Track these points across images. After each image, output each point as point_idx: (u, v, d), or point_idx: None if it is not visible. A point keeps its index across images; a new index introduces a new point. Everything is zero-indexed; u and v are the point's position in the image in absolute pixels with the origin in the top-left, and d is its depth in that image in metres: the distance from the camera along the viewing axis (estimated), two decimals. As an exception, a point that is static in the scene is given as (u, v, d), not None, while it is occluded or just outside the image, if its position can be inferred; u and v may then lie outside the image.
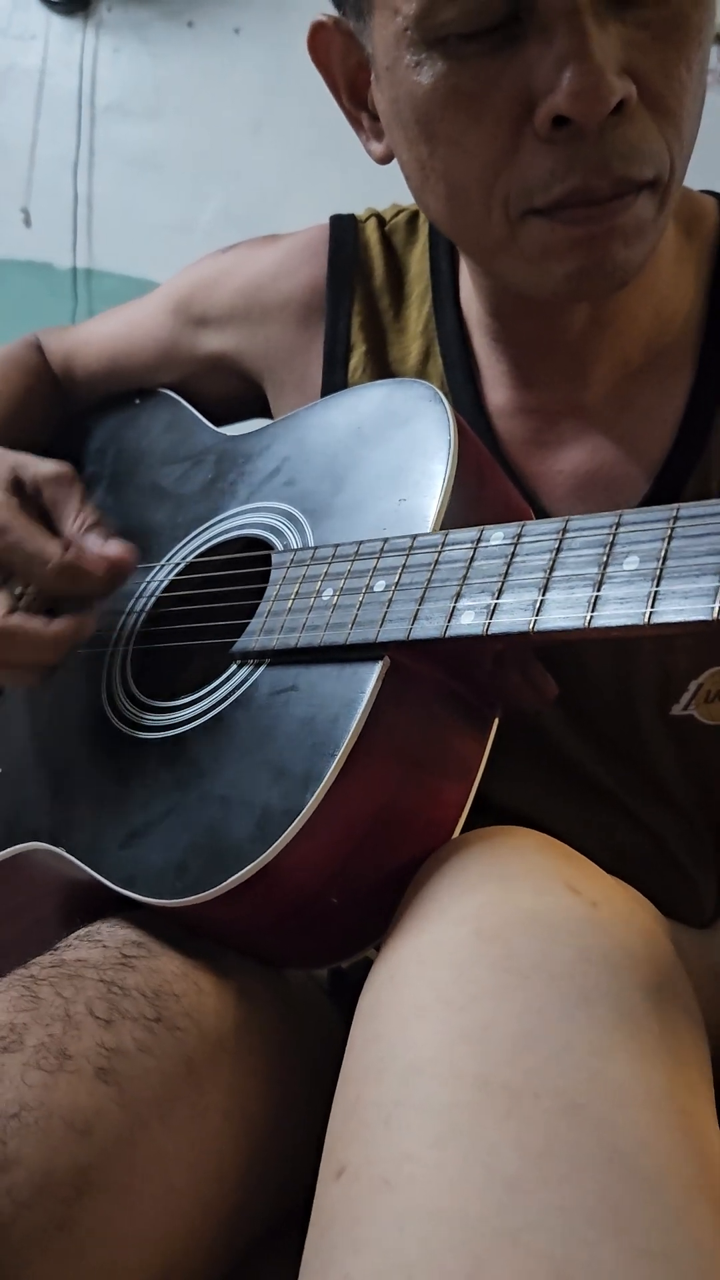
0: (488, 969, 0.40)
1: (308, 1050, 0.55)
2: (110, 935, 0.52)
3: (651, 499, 0.63)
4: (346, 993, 0.62)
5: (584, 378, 0.64)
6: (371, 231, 0.74)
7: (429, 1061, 0.37)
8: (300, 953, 0.54)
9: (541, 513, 0.65)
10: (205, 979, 0.51)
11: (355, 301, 0.72)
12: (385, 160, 0.61)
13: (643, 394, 0.64)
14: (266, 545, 0.62)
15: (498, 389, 0.68)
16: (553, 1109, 0.34)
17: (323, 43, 0.60)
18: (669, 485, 0.62)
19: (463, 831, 0.52)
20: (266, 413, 0.81)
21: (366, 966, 0.47)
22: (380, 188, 0.84)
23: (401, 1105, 0.36)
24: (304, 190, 1.79)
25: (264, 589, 0.58)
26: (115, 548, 0.62)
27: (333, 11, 0.59)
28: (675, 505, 0.43)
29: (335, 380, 0.72)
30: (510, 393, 0.67)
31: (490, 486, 0.58)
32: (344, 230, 0.75)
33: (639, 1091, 0.35)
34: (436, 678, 0.52)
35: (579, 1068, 0.36)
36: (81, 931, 0.54)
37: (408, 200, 0.67)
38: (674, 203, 0.54)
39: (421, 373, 0.70)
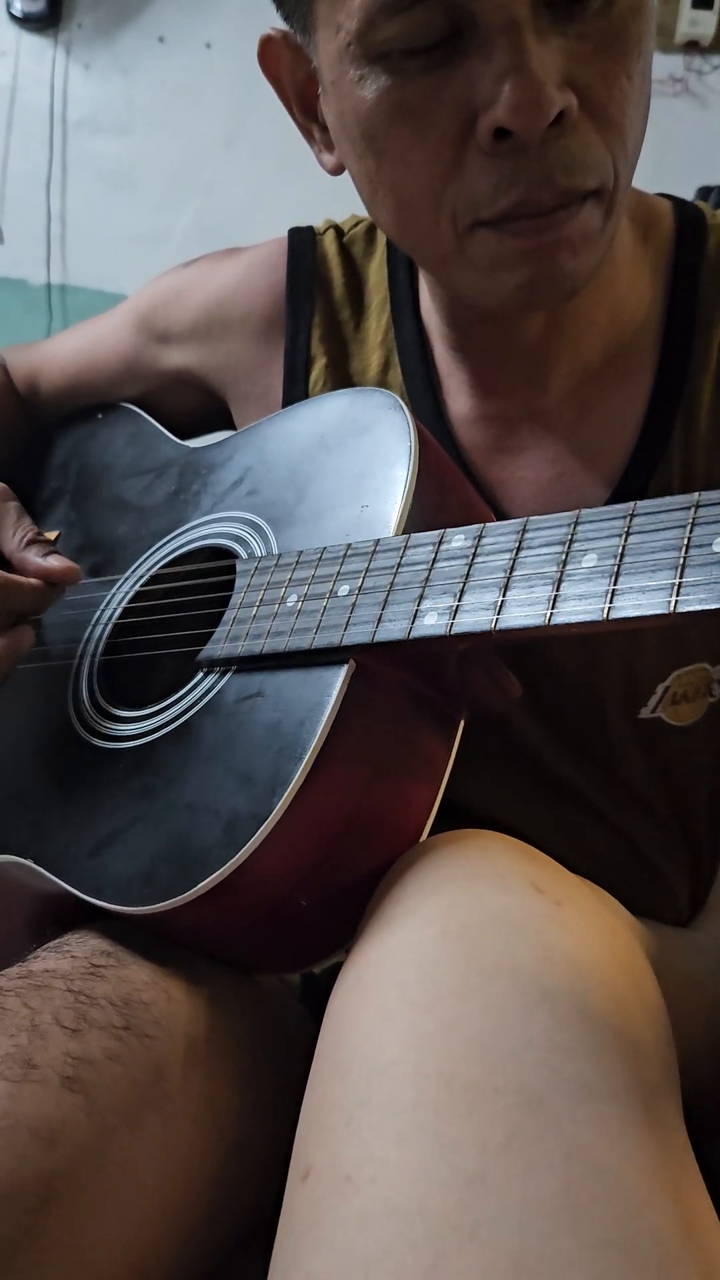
0: (453, 969, 0.40)
1: (280, 1055, 0.55)
2: (79, 945, 0.52)
3: (613, 502, 0.63)
4: (319, 997, 0.62)
5: (543, 383, 0.65)
6: (330, 243, 0.75)
7: (393, 1061, 0.37)
8: (271, 957, 0.54)
9: (504, 519, 0.65)
10: (175, 986, 0.51)
11: (315, 314, 0.73)
12: (337, 172, 0.61)
13: (603, 397, 0.64)
14: (231, 554, 0.63)
15: (458, 397, 0.68)
16: (514, 1105, 0.34)
17: (273, 56, 0.60)
18: (630, 489, 0.62)
19: (434, 834, 0.52)
20: (230, 426, 0.81)
21: (338, 970, 0.47)
22: (352, 200, 0.85)
23: (365, 1105, 0.37)
24: (276, 203, 1.80)
25: (229, 597, 0.59)
26: (55, 562, 0.64)
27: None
28: (632, 503, 0.43)
29: (296, 393, 0.72)
30: (470, 401, 0.67)
31: (451, 491, 0.58)
32: (302, 243, 0.75)
33: (600, 1086, 0.36)
34: (402, 680, 0.52)
35: (540, 1064, 0.36)
36: (51, 943, 0.54)
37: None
38: (621, 210, 0.55)
39: (381, 383, 0.70)
